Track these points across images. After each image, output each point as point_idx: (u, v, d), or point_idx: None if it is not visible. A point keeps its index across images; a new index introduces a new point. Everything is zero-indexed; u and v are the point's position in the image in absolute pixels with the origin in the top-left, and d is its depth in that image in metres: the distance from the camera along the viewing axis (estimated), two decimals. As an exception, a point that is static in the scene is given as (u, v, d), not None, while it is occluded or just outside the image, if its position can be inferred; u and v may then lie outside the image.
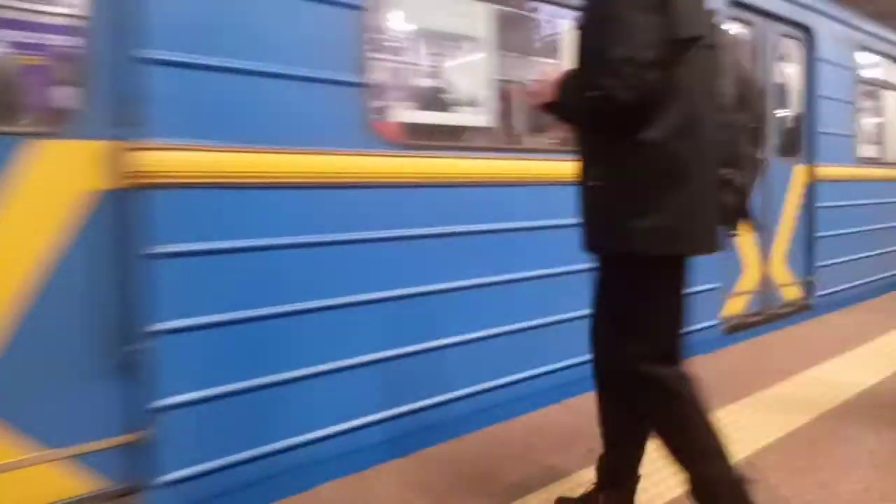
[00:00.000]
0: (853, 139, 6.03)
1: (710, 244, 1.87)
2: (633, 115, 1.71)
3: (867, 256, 6.21)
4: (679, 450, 1.84)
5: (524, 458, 2.70)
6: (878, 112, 6.99)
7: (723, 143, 1.89)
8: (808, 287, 5.55)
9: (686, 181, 1.77)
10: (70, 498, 2.15)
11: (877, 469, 2.51)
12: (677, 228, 1.77)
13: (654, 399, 1.88)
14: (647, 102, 1.69)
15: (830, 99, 5.66)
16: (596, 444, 2.12)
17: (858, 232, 6.01)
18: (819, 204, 5.50)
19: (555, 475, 2.52)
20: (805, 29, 5.51)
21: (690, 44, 1.73)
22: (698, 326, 4.23)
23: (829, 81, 5.64)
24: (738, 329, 4.76)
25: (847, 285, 5.92)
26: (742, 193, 1.94)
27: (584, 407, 2.81)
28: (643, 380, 1.86)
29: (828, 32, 5.68)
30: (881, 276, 6.49)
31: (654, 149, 1.74)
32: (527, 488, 2.42)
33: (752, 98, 2.02)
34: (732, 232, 1.98)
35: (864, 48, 6.29)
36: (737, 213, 1.95)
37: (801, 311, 5.37)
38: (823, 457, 2.61)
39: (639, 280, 1.86)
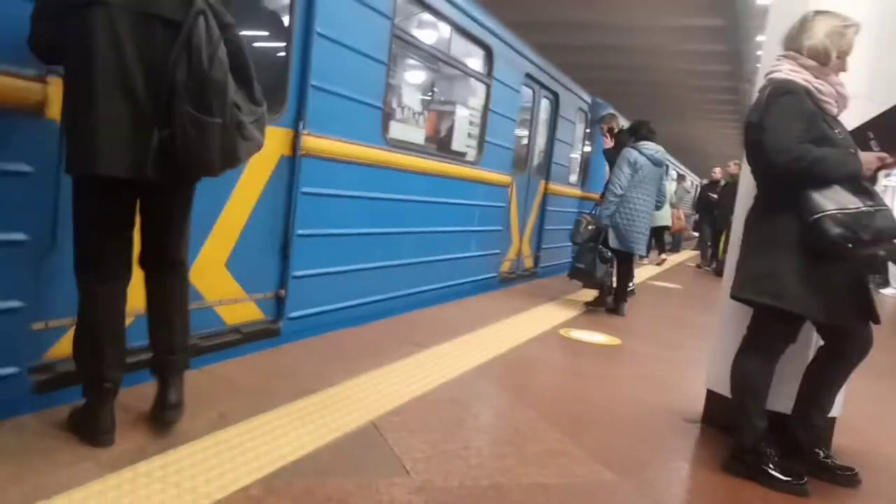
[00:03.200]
0: (569, 168, 9.46)
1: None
2: None
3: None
4: None
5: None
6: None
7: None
8: (536, 259, 8.72)
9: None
10: (253, 321, 3.93)
11: (476, 430, 2.93)
12: None
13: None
14: None
15: (563, 142, 8.90)
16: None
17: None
18: (549, 207, 8.70)
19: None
20: (555, 94, 8.64)
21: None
22: (490, 276, 7.01)
23: (564, 130, 8.86)
24: (505, 280, 7.63)
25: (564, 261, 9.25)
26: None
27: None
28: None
29: (564, 97, 8.89)
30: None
31: None
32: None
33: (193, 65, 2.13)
34: None
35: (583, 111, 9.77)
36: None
37: (532, 276, 8.48)
38: (437, 419, 2.96)
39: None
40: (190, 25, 2.15)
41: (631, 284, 7.07)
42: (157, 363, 2.56)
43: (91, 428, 2.33)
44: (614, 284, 6.35)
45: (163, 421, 2.49)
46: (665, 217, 10.94)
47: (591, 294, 6.58)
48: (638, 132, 6.18)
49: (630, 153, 5.93)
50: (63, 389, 2.69)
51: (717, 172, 12.78)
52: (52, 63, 2.39)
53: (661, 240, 13.02)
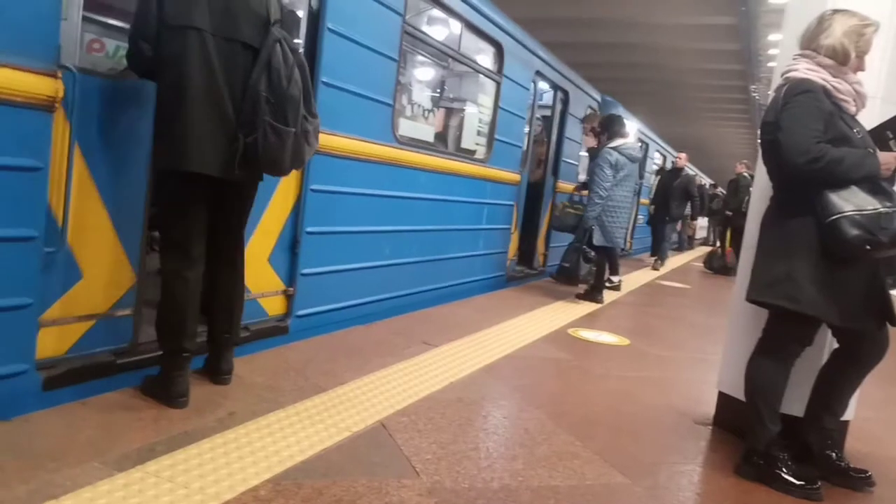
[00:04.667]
0: (578, 166, 9.41)
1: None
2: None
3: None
4: None
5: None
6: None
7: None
8: (545, 258, 8.69)
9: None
10: (276, 315, 3.94)
11: (486, 431, 2.90)
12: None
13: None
14: None
15: (572, 140, 8.85)
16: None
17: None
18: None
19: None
20: (565, 91, 8.59)
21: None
22: (498, 274, 6.99)
23: (573, 128, 8.81)
24: (513, 279, 7.60)
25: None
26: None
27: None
28: None
29: (574, 95, 8.84)
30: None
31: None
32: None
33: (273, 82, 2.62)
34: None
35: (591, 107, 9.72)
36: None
37: (541, 274, 8.43)
38: (445, 420, 2.95)
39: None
40: (269, 50, 2.63)
41: (616, 279, 7.34)
42: (214, 339, 3.03)
43: (169, 392, 2.71)
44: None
45: (220, 383, 2.99)
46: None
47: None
48: (610, 128, 6.38)
49: (610, 154, 6.16)
50: (71, 386, 2.69)
51: (682, 158, 11.82)
52: (146, 76, 2.73)
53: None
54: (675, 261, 13.33)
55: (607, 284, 6.90)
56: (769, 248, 2.70)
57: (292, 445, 2.47)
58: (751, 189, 10.71)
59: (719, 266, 11.63)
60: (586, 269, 6.26)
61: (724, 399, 3.30)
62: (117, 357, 2.92)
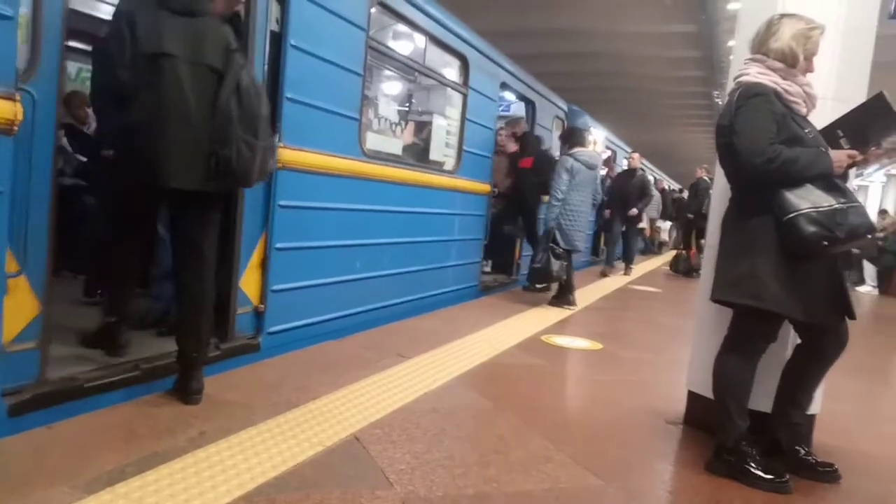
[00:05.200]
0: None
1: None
2: None
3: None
4: None
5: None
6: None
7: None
8: (517, 268, 8.74)
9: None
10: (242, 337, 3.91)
11: (460, 439, 2.91)
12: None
13: None
14: None
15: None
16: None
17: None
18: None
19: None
20: (531, 102, 8.69)
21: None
22: (471, 285, 7.02)
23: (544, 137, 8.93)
24: (487, 289, 7.63)
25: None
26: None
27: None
28: None
29: (541, 105, 8.94)
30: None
31: None
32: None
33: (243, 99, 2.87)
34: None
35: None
36: None
37: (513, 283, 8.47)
38: (420, 430, 2.94)
39: None
40: (237, 74, 2.88)
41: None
42: (183, 358, 3.05)
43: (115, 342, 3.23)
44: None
45: (190, 403, 2.98)
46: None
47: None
48: (571, 139, 6.77)
49: (566, 161, 6.49)
50: (38, 411, 2.64)
51: (635, 158, 11.21)
52: (114, 102, 2.86)
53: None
54: (644, 265, 13.49)
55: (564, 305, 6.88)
56: (731, 248, 2.76)
57: (265, 462, 2.45)
58: (710, 192, 10.99)
59: (685, 268, 11.80)
60: (558, 265, 6.42)
61: (693, 398, 3.35)
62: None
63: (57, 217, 2.79)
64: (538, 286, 7.00)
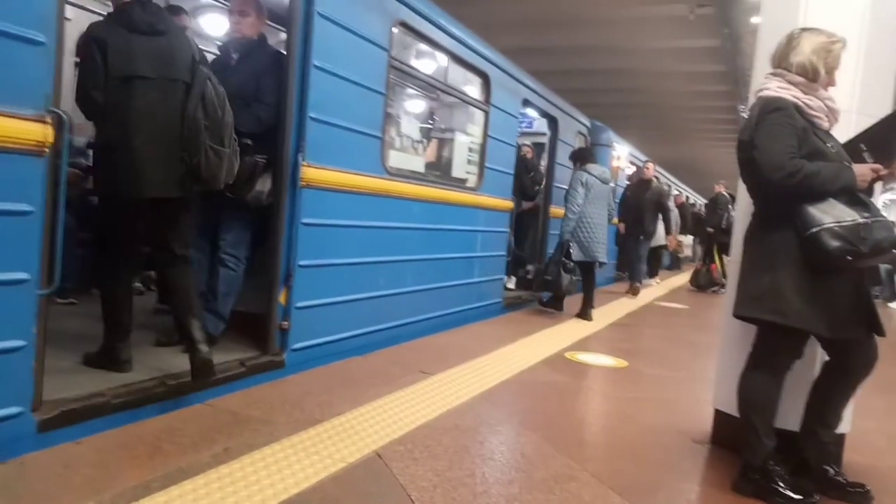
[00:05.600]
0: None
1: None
2: None
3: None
4: None
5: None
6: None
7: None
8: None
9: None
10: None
11: (482, 457, 2.88)
12: None
13: None
14: None
15: (563, 165, 8.95)
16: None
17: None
18: (551, 231, 8.72)
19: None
20: (554, 119, 8.70)
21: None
22: (494, 301, 7.03)
23: (564, 154, 8.92)
24: (510, 305, 7.61)
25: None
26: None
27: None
28: None
29: (563, 122, 8.94)
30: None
31: None
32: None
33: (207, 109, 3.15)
34: None
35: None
36: None
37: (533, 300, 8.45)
38: (442, 447, 2.93)
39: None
40: (202, 86, 3.13)
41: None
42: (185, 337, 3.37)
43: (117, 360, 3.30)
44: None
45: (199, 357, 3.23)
46: (660, 237, 10.80)
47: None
48: (581, 158, 7.16)
49: (581, 175, 6.85)
50: (66, 427, 2.69)
51: (650, 168, 10.46)
52: (91, 118, 3.19)
53: (658, 261, 12.95)
54: (670, 281, 13.35)
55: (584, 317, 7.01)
56: (753, 263, 2.73)
57: (287, 478, 2.46)
58: (730, 206, 10.79)
59: (706, 282, 11.66)
60: (567, 279, 6.72)
61: (720, 416, 3.30)
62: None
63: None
64: (553, 306, 7.21)
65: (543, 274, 6.95)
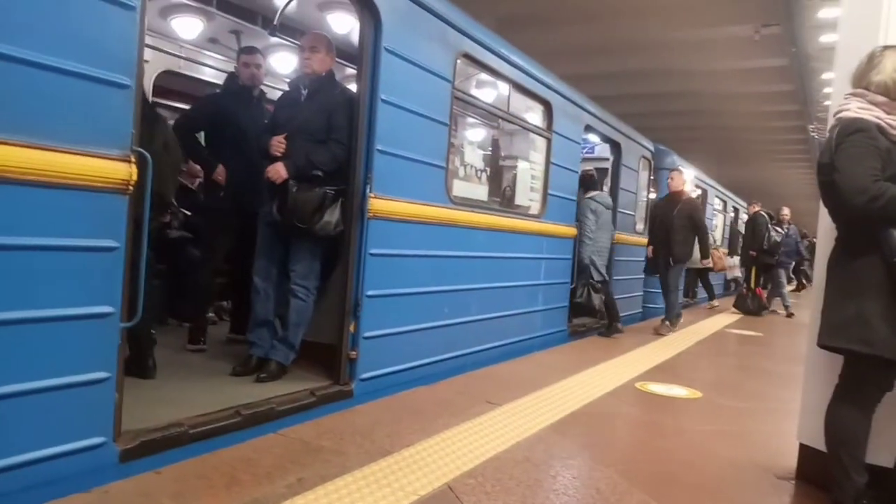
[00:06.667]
0: (635, 216, 9.35)
1: None
2: None
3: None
4: None
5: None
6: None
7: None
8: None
9: None
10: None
11: (555, 492, 2.80)
12: None
13: None
14: None
15: (627, 190, 8.83)
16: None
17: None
18: (616, 257, 8.57)
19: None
20: (616, 143, 8.61)
21: None
22: (559, 329, 6.92)
23: (627, 179, 8.81)
24: (575, 333, 7.50)
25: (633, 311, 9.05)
26: None
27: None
28: None
29: (626, 146, 8.84)
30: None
31: None
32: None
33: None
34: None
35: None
36: None
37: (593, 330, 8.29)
38: (514, 481, 2.89)
39: None
40: (165, 134, 3.67)
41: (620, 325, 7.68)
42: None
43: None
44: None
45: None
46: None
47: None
48: (587, 185, 7.42)
49: (590, 203, 7.29)
50: (147, 457, 2.77)
51: (675, 178, 8.32)
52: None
53: (708, 285, 12.50)
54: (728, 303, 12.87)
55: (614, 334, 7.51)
56: (837, 290, 2.61)
57: (360, 510, 2.46)
58: (769, 226, 10.80)
59: (755, 307, 11.22)
60: (598, 299, 7.14)
61: (805, 451, 3.14)
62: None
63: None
64: (613, 331, 7.53)
65: (573, 297, 7.22)
